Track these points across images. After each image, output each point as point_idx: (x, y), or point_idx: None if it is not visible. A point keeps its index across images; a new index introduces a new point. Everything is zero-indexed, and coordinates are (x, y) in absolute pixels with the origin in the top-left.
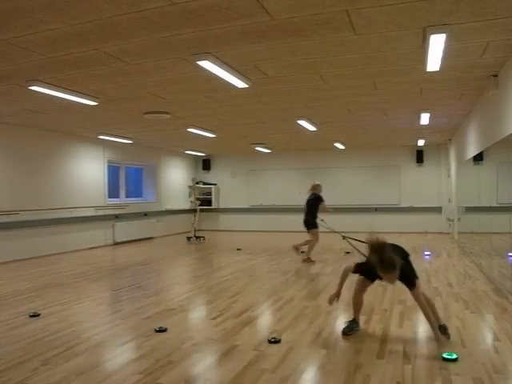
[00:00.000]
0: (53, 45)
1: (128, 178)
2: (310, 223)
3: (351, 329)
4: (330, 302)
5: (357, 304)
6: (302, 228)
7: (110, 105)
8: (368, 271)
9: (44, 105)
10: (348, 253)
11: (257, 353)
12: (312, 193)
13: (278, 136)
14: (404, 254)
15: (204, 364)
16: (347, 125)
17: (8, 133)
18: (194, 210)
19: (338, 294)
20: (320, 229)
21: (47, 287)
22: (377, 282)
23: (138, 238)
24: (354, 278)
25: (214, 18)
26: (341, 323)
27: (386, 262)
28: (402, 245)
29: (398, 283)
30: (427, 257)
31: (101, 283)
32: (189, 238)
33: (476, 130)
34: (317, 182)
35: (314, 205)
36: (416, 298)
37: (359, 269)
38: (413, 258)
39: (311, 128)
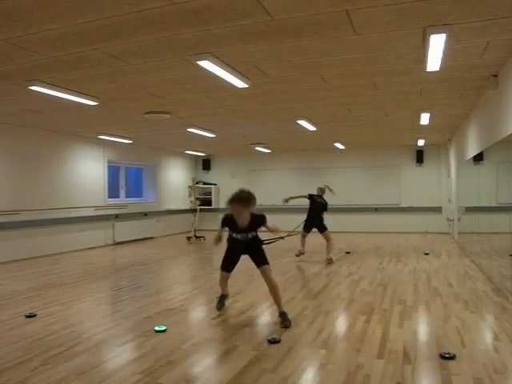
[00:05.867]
0: (53, 45)
1: (128, 178)
2: None
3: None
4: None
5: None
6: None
7: (110, 105)
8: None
9: (44, 105)
10: (348, 253)
11: (257, 353)
12: None
13: (278, 136)
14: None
15: (204, 364)
16: (347, 125)
17: (8, 133)
18: (194, 210)
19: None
20: None
21: (47, 287)
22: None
23: (137, 238)
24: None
25: (213, 18)
26: (341, 323)
27: (238, 193)
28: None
29: None
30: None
31: (101, 283)
32: (189, 238)
33: (476, 129)
34: None
35: None
36: (268, 276)
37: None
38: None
39: (311, 128)
